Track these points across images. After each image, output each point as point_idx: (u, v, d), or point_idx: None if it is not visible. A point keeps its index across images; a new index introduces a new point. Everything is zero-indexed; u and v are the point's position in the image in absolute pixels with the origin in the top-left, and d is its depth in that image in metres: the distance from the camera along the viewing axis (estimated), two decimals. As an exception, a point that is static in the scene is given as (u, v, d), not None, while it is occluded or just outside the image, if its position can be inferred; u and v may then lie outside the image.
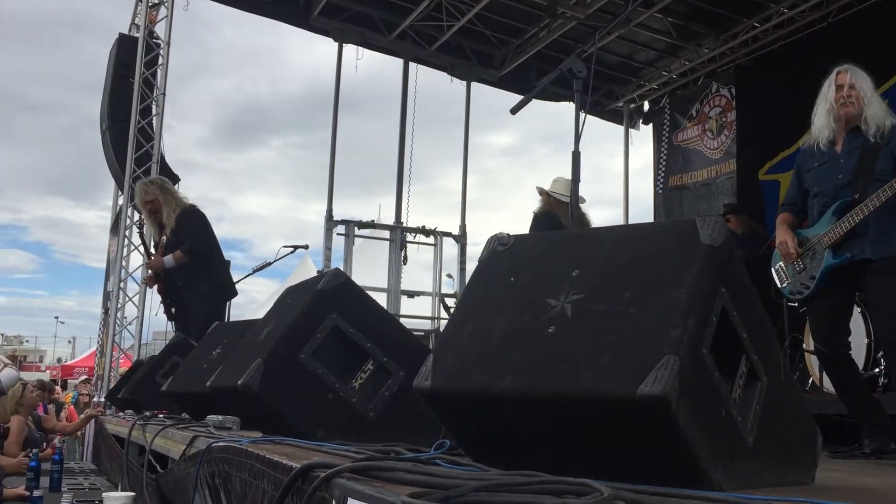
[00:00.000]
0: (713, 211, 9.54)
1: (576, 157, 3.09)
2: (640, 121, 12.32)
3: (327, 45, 10.41)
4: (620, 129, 12.44)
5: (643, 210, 12.78)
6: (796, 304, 4.96)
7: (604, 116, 12.24)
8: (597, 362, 1.46)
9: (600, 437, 1.51)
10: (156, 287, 6.88)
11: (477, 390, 1.61)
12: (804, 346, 5.90)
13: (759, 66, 9.81)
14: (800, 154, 3.67)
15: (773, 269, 3.73)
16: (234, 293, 6.78)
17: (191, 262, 6.26)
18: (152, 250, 6.81)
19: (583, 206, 5.75)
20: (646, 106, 12.23)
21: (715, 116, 10.42)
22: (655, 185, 11.35)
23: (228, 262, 6.90)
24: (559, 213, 5.81)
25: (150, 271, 6.77)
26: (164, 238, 6.49)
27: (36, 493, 3.24)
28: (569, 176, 3.15)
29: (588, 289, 1.61)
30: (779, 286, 3.70)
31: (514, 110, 3.36)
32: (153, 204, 6.45)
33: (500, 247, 1.91)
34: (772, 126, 9.01)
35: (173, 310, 6.73)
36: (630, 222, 11.25)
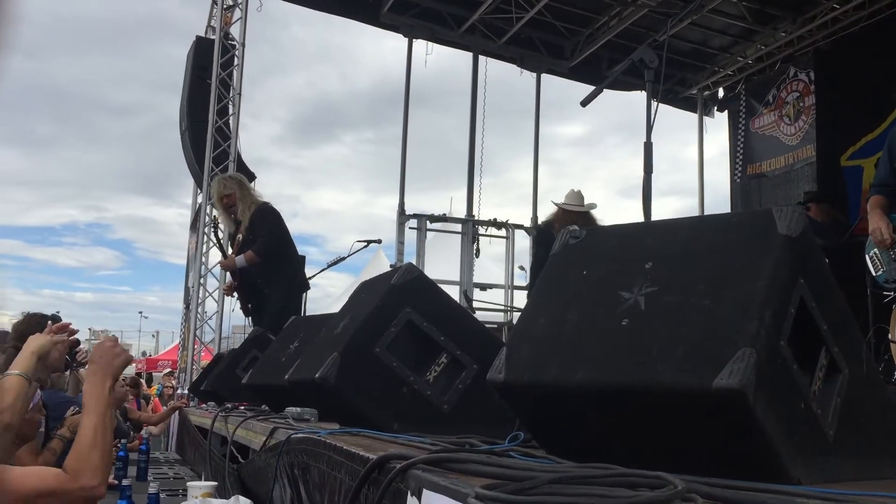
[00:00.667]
0: (791, 199, 9.29)
1: (648, 147, 3.05)
2: (715, 108, 12.08)
3: (396, 41, 10.52)
4: (694, 117, 12.22)
5: (719, 200, 12.54)
6: (892, 294, 4.79)
7: (677, 105, 12.04)
8: (671, 355, 1.45)
9: (675, 430, 1.50)
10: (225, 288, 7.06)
11: (550, 383, 1.61)
12: (889, 336, 5.70)
13: (838, 48, 9.49)
14: (891, 133, 3.52)
15: (867, 257, 3.59)
16: (307, 287, 6.90)
17: (263, 260, 6.39)
18: (227, 249, 6.97)
19: (594, 211, 6.53)
20: (720, 93, 11.98)
21: (792, 102, 10.13)
22: (733, 174, 11.09)
23: (303, 258, 7.02)
24: (565, 222, 6.03)
25: (227, 280, 6.94)
26: (239, 235, 6.63)
27: (125, 481, 3.37)
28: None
29: (662, 281, 1.60)
30: (873, 274, 3.56)
31: (584, 102, 3.33)
32: (230, 198, 6.57)
33: (572, 239, 1.90)
34: (853, 110, 8.72)
35: (250, 305, 6.89)
36: (706, 213, 11.06)
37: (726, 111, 11.67)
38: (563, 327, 1.71)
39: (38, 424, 3.17)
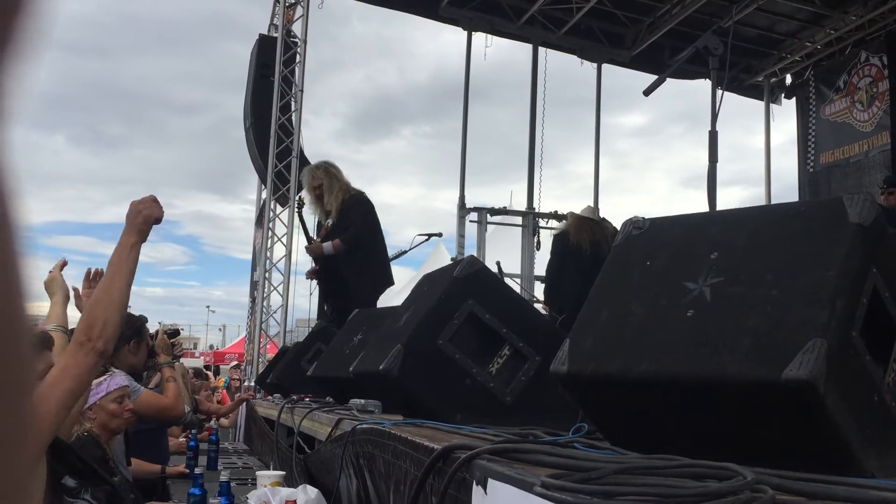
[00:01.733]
0: (861, 187, 9.01)
1: (713, 136, 2.99)
2: (782, 95, 11.77)
3: (454, 34, 10.52)
4: (760, 104, 11.94)
5: (787, 189, 12.22)
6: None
7: (742, 93, 11.78)
8: (738, 346, 1.43)
9: (742, 421, 1.48)
10: (308, 273, 7.09)
11: (614, 374, 1.61)
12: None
13: (913, 31, 9.17)
14: None
15: None
16: (391, 282, 6.90)
17: (350, 249, 6.43)
18: (313, 235, 7.02)
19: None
20: (788, 79, 11.68)
21: (865, 87, 9.82)
22: (805, 163, 10.80)
23: (386, 251, 7.03)
24: (581, 230, 6.83)
25: (311, 264, 6.98)
26: (329, 221, 6.67)
27: (197, 470, 3.46)
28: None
29: (728, 271, 1.58)
30: None
31: (647, 92, 3.29)
32: (320, 189, 6.64)
33: (635, 230, 1.89)
34: (930, 94, 8.41)
35: (330, 294, 6.90)
36: (773, 202, 10.80)
37: (794, 98, 11.38)
38: (626, 318, 1.70)
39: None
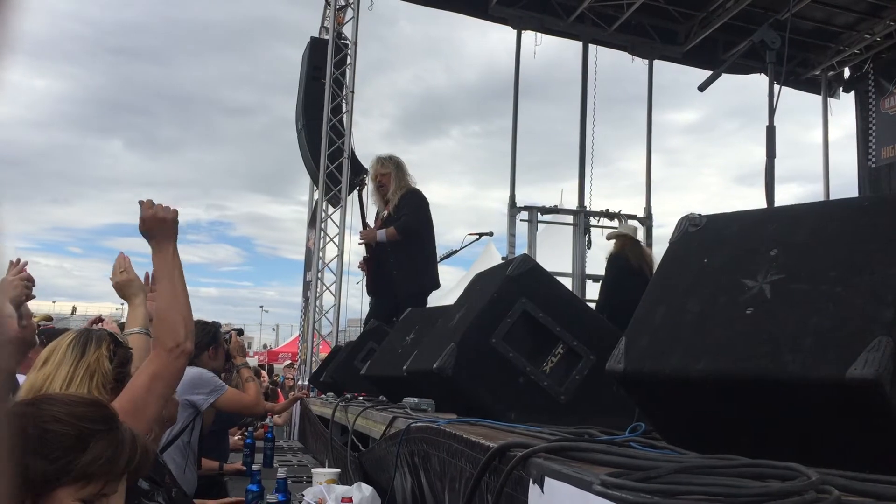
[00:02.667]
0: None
1: (770, 131, 2.94)
2: (840, 89, 11.49)
3: (502, 33, 10.49)
4: (817, 99, 11.67)
5: (845, 185, 11.93)
6: None
7: (799, 87, 11.52)
8: (800, 344, 1.40)
9: (804, 422, 1.45)
10: (360, 263, 7.15)
11: (672, 373, 1.59)
12: None
13: (978, 20, 8.87)
14: None
15: None
16: (437, 284, 6.93)
17: (403, 240, 6.48)
18: (370, 222, 7.10)
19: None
20: (846, 73, 11.39)
21: (927, 79, 9.53)
22: (867, 158, 10.52)
23: (435, 253, 7.08)
24: (632, 245, 7.38)
25: (364, 256, 7.05)
26: (385, 212, 6.74)
27: (254, 467, 3.52)
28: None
29: (789, 268, 1.55)
30: None
31: (702, 87, 3.24)
32: (385, 178, 6.70)
33: (691, 227, 1.86)
34: None
35: (376, 286, 6.95)
36: (832, 198, 10.54)
37: (853, 92, 11.10)
38: (683, 316, 1.68)
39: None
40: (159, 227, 2.25)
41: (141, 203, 2.28)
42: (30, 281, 2.91)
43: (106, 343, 2.29)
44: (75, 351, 2.25)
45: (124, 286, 2.84)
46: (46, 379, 2.19)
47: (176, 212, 2.31)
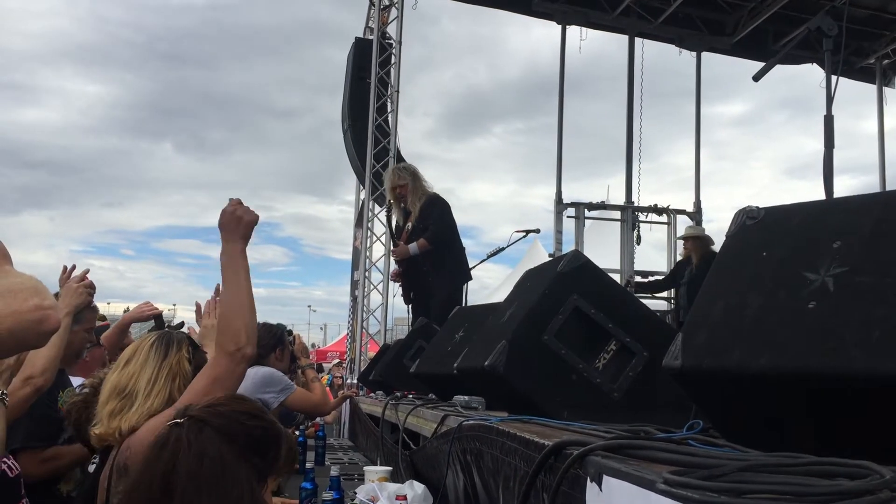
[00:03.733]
0: None
1: (829, 121, 2.86)
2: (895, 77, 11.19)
3: (545, 28, 10.44)
4: (871, 88, 11.39)
5: (903, 175, 11.61)
6: None
7: (852, 76, 11.25)
8: (866, 339, 1.36)
9: (871, 419, 1.41)
10: (393, 274, 7.24)
11: (732, 369, 1.55)
12: None
13: None
14: None
15: None
16: (469, 277, 6.99)
17: (434, 248, 6.53)
18: (399, 241, 7.15)
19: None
20: (902, 61, 11.09)
21: None
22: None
23: (464, 249, 7.13)
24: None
25: (394, 267, 7.14)
26: (409, 224, 6.79)
27: (308, 464, 3.55)
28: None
29: (852, 261, 1.50)
30: None
31: (757, 77, 3.16)
32: (402, 189, 6.75)
33: (749, 220, 1.82)
34: None
35: (412, 293, 7.04)
36: (888, 189, 10.27)
37: (909, 80, 10.81)
38: (743, 311, 1.64)
39: None
40: (235, 224, 2.26)
41: (230, 199, 2.29)
42: (91, 288, 3.02)
43: (185, 346, 2.37)
44: (158, 352, 2.31)
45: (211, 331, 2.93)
46: (131, 378, 2.25)
47: (256, 216, 2.31)
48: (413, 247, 6.60)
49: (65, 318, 2.83)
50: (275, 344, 4.39)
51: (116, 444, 2.17)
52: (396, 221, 7.06)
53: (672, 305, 9.61)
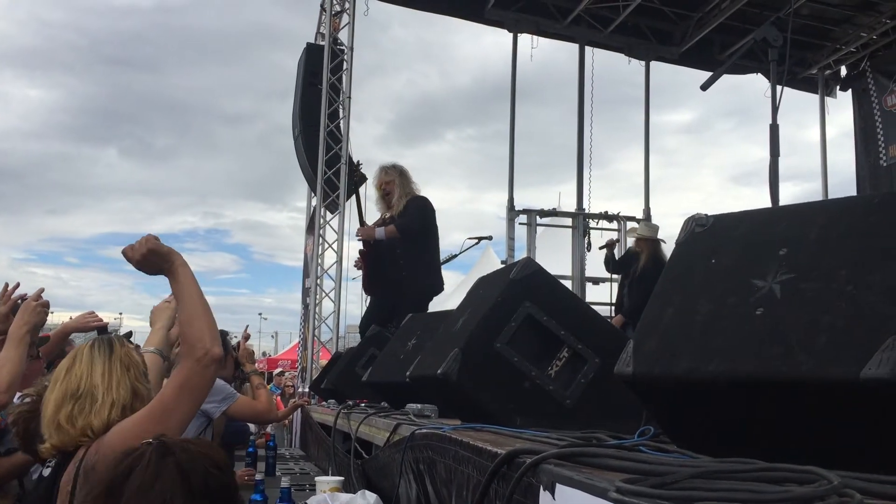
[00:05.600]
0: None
1: (774, 130, 2.91)
2: (838, 87, 11.48)
3: (497, 36, 10.49)
4: (812, 97, 11.66)
5: (843, 183, 11.93)
6: None
7: (795, 86, 11.50)
8: (813, 345, 1.38)
9: (818, 423, 1.43)
10: (357, 261, 7.15)
11: (682, 375, 1.56)
12: None
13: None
14: None
15: None
16: (441, 287, 6.95)
17: (403, 239, 6.49)
18: (367, 220, 7.10)
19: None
20: (843, 71, 11.39)
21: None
22: (877, 156, 10.47)
23: (439, 258, 7.10)
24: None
25: (359, 250, 7.04)
26: (389, 215, 6.75)
27: (257, 476, 3.49)
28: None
29: (798, 267, 1.53)
30: None
31: (704, 87, 3.22)
32: (389, 185, 6.74)
33: (698, 228, 1.84)
34: None
35: (376, 287, 6.94)
36: (830, 197, 10.53)
37: (850, 90, 11.10)
38: (692, 317, 1.65)
39: None
40: (152, 260, 2.25)
41: (124, 255, 2.26)
42: (47, 306, 3.02)
43: (126, 342, 2.36)
44: (102, 351, 2.28)
45: (162, 311, 2.96)
46: (80, 379, 2.21)
47: (151, 237, 2.27)
48: (381, 230, 6.56)
49: (24, 336, 2.87)
50: None
51: (85, 446, 2.13)
52: (382, 216, 7.01)
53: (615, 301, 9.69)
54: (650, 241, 8.14)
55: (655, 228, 8.50)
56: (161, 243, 2.26)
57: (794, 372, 1.38)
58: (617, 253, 9.34)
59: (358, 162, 7.42)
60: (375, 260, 6.87)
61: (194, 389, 2.14)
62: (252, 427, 6.33)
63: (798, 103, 11.98)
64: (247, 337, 5.19)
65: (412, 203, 6.65)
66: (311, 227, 10.23)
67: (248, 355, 4.79)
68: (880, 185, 10.17)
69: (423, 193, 6.88)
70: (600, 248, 9.37)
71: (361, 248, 7.08)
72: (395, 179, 6.71)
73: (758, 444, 1.53)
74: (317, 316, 9.47)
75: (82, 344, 2.38)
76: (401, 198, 6.64)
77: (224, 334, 4.52)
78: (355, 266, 7.41)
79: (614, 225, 10.41)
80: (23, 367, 2.81)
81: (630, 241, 9.29)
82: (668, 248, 7.84)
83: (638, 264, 8.14)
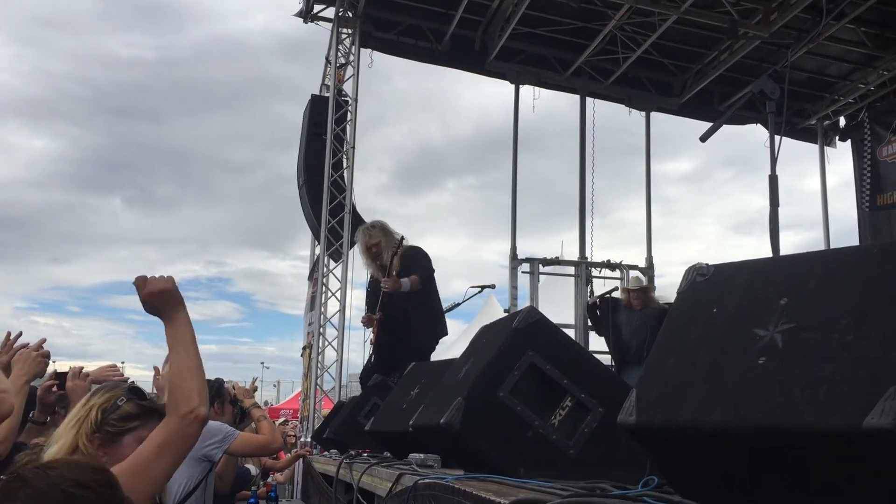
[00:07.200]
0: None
1: (773, 180, 2.95)
2: (837, 138, 11.60)
3: (497, 86, 10.63)
4: (812, 147, 11.78)
5: (844, 232, 11.97)
6: None
7: (795, 136, 11.63)
8: (815, 394, 1.39)
9: (821, 473, 1.43)
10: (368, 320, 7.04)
11: (685, 425, 1.57)
12: None
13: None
14: None
15: None
16: (445, 332, 6.94)
17: (423, 291, 6.50)
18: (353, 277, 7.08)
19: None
20: (842, 122, 11.52)
21: (922, 127, 9.63)
22: (860, 205, 10.59)
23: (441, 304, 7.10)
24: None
25: (374, 307, 6.91)
26: (394, 272, 6.65)
27: (258, 526, 3.46)
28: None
29: (799, 317, 1.54)
30: None
31: (703, 138, 3.26)
32: (377, 247, 6.67)
33: (699, 277, 1.86)
34: None
35: (383, 339, 6.87)
36: (831, 246, 10.57)
37: (849, 140, 11.21)
38: (694, 367, 1.66)
39: None
40: (162, 299, 2.19)
41: (135, 284, 2.19)
42: (47, 356, 3.01)
43: (112, 394, 2.29)
44: (84, 400, 2.26)
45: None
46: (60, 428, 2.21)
47: (172, 279, 2.22)
48: (406, 282, 6.50)
49: (23, 387, 2.82)
50: (212, 398, 4.25)
51: None
52: (373, 277, 6.94)
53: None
54: (642, 292, 8.29)
55: (643, 280, 8.97)
56: (178, 290, 2.24)
57: (797, 422, 1.38)
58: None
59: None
60: (385, 319, 6.77)
61: (175, 446, 2.06)
62: (253, 470, 6.25)
63: (798, 153, 12.11)
64: (254, 389, 5.15)
65: (409, 254, 6.63)
66: (314, 274, 10.25)
67: (244, 392, 4.74)
68: (875, 234, 10.21)
69: (417, 243, 6.87)
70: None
71: (378, 313, 6.83)
72: (380, 240, 6.68)
73: (759, 493, 1.53)
74: (319, 365, 9.44)
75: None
76: (389, 250, 6.58)
77: (219, 382, 4.48)
78: (363, 322, 7.25)
79: (616, 273, 10.43)
80: (19, 419, 2.77)
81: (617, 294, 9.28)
82: (665, 297, 8.02)
83: (628, 311, 8.30)
